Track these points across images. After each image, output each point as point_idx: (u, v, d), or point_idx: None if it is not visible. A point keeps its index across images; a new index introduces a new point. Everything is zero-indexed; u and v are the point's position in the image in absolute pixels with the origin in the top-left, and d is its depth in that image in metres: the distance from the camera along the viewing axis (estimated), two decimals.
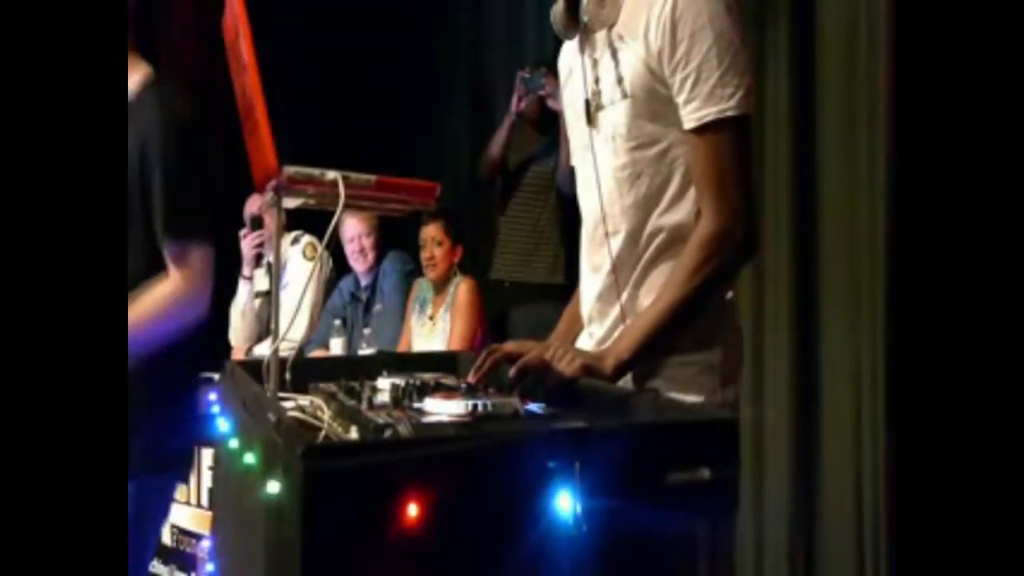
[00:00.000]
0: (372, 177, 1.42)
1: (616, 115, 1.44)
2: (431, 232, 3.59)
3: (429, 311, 3.63)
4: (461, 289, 3.55)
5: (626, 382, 1.41)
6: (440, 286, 3.61)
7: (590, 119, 1.48)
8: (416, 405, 1.21)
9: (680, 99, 1.38)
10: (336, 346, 3.57)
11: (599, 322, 1.53)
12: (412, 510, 0.84)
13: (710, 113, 1.36)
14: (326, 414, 1.20)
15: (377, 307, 3.84)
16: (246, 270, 3.78)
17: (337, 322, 3.66)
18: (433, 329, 3.57)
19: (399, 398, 1.24)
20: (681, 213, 1.43)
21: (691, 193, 1.42)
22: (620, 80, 1.42)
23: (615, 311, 1.48)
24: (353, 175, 1.39)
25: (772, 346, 2.68)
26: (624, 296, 1.47)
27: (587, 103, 1.47)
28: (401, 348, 3.61)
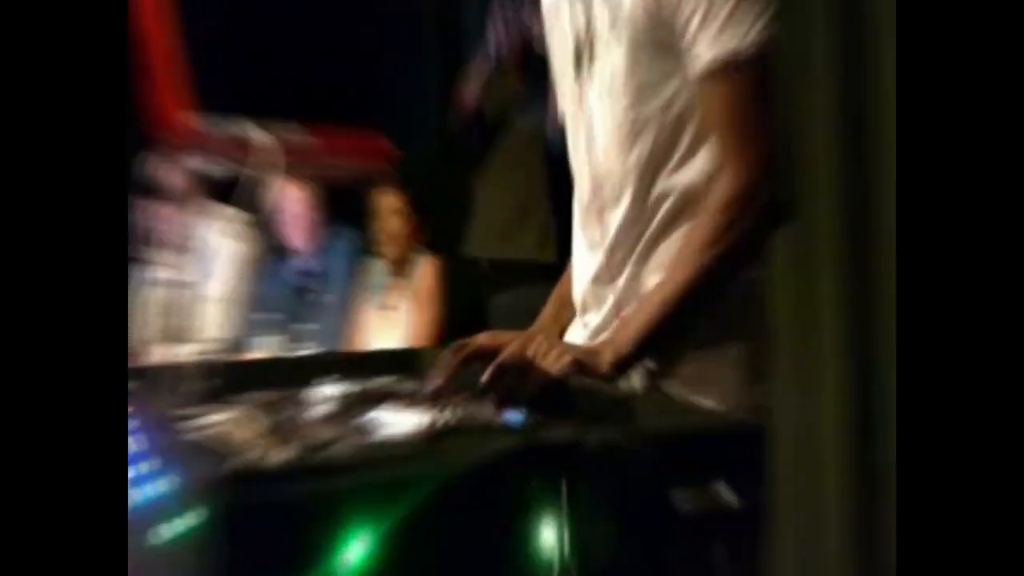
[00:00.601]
0: (310, 134, 1.42)
1: (612, 61, 1.45)
2: (388, 201, 3.59)
3: (385, 299, 3.64)
4: (425, 271, 3.56)
5: (630, 382, 1.41)
6: (399, 268, 3.61)
7: (581, 67, 1.49)
8: (366, 417, 1.21)
9: (687, 38, 1.38)
10: (268, 346, 3.56)
11: (595, 308, 1.54)
12: (357, 547, 0.84)
13: (723, 53, 1.36)
14: (253, 431, 1.20)
15: (323, 296, 3.84)
16: (150, 253, 3.75)
17: (270, 316, 3.66)
18: (390, 321, 3.58)
19: (345, 409, 1.25)
20: (693, 172, 1.44)
21: (705, 149, 1.43)
22: (615, 20, 1.43)
23: (614, 294, 1.49)
24: (286, 131, 1.39)
25: (824, 332, 2.68)
26: (625, 275, 1.48)
27: (576, 48, 1.48)
28: (352, 346, 3.62)
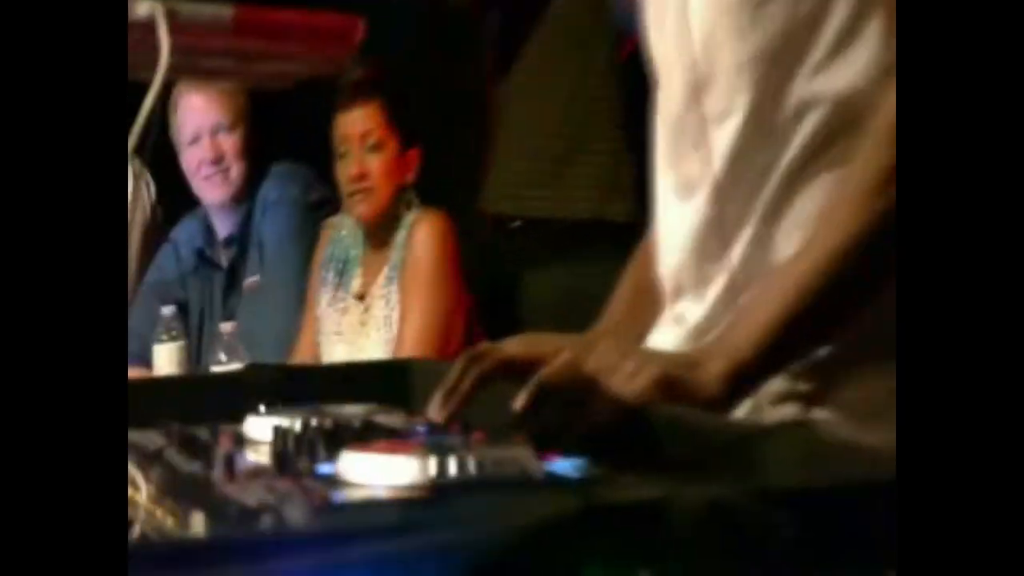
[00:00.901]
0: (228, 9, 1.43)
1: None
2: (359, 123, 3.59)
3: (356, 284, 3.64)
4: (420, 236, 3.56)
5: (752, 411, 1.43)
6: (378, 233, 3.62)
7: None
8: (324, 468, 1.23)
9: None
10: (166, 357, 3.58)
11: (696, 293, 1.55)
12: None
13: None
14: (143, 490, 1.21)
15: (251, 278, 3.85)
16: None
17: (168, 310, 3.67)
18: (364, 318, 3.58)
19: (290, 455, 1.26)
20: (853, 72, 1.44)
21: (874, 34, 1.43)
22: None
23: (727, 270, 1.51)
24: (190, 4, 1.40)
25: None
26: (744, 239, 1.50)
27: None
28: (300, 357, 3.62)
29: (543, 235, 3.76)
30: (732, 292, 1.50)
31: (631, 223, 3.41)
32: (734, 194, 1.50)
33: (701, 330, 1.53)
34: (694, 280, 1.56)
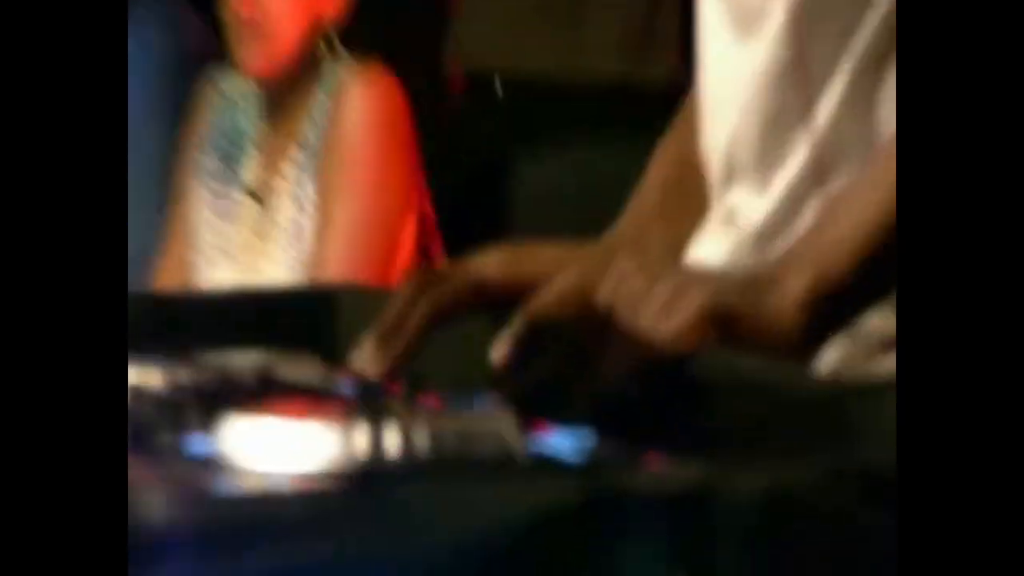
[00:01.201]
0: None
1: None
2: None
3: (251, 175, 3.65)
4: (350, 102, 3.57)
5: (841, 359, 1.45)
6: (284, 97, 3.62)
7: None
8: (200, 444, 1.23)
9: None
10: None
11: (757, 179, 1.57)
12: None
13: None
14: None
15: None
16: None
17: None
18: (263, 226, 3.59)
19: (150, 425, 1.28)
20: None
21: None
22: None
23: (805, 145, 1.53)
24: None
25: None
26: (832, 98, 1.51)
27: None
28: (164, 282, 3.63)
29: (542, 104, 3.78)
30: (814, 176, 1.52)
31: (668, 87, 3.44)
32: (820, 28, 1.51)
33: (766, 233, 1.54)
34: (757, 158, 1.57)
